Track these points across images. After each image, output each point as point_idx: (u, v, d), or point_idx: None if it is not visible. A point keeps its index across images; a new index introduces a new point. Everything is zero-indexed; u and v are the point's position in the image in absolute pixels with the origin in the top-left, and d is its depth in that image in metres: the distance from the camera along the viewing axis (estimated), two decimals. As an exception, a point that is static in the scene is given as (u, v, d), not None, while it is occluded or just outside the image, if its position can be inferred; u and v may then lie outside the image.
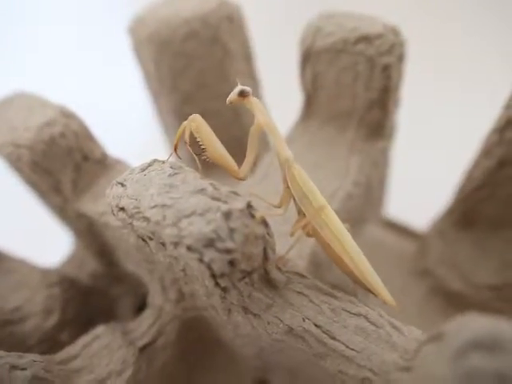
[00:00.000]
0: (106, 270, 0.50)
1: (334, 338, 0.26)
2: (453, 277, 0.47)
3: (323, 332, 0.26)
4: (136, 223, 0.25)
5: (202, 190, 0.24)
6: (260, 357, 0.34)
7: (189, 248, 0.23)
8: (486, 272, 0.45)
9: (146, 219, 0.24)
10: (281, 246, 0.29)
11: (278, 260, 0.29)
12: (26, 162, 0.38)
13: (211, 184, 0.25)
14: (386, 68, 0.39)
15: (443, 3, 1.06)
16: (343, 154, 0.43)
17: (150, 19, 0.48)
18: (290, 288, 0.28)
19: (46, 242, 0.60)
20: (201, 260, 0.23)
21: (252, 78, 0.56)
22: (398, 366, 0.24)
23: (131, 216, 0.25)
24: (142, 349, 0.35)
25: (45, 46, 1.10)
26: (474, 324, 0.19)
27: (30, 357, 0.30)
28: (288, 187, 0.29)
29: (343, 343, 0.25)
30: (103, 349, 0.34)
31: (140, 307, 0.48)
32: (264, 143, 0.43)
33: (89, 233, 0.43)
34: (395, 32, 0.39)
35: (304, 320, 0.26)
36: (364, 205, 0.47)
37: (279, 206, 0.30)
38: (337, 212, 0.31)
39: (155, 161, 0.28)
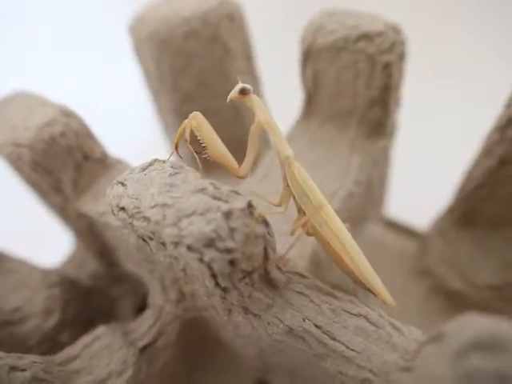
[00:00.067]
0: (107, 270, 0.50)
1: (334, 339, 0.25)
2: (453, 276, 0.47)
3: (323, 332, 0.26)
4: (136, 223, 0.25)
5: (202, 190, 0.24)
6: (260, 357, 0.34)
7: (189, 248, 0.23)
8: (487, 271, 0.45)
9: (147, 219, 0.24)
10: (281, 246, 0.29)
11: (279, 260, 0.29)
12: (27, 162, 0.38)
13: (212, 183, 0.25)
14: (387, 66, 0.39)
15: (443, 2, 1.05)
16: (344, 152, 0.43)
17: (150, 18, 0.48)
18: (290, 288, 0.28)
19: (46, 242, 0.60)
20: (201, 260, 0.23)
21: (252, 76, 0.56)
22: (399, 367, 0.23)
23: (131, 216, 0.25)
24: (143, 349, 0.35)
25: (45, 46, 1.10)
26: (475, 324, 0.19)
27: (29, 358, 0.30)
28: (288, 185, 0.29)
29: (343, 344, 0.25)
30: (103, 349, 0.34)
31: (140, 307, 0.48)
32: (265, 142, 0.43)
33: (89, 233, 0.43)
34: (396, 30, 0.39)
35: (304, 320, 0.26)
36: (365, 204, 0.47)
37: (279, 205, 0.30)
38: (337, 211, 0.30)
39: (156, 160, 0.28)
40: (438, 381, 0.18)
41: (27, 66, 1.04)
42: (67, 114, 0.40)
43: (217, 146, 0.28)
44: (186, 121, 0.28)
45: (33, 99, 0.41)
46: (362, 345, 0.25)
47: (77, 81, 0.95)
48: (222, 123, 0.54)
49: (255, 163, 0.34)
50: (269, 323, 0.27)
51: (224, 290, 0.26)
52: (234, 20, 0.49)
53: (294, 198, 0.29)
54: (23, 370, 0.29)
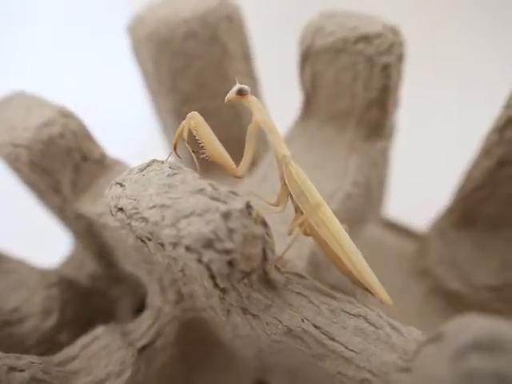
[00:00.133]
0: (105, 270, 0.50)
1: (333, 339, 0.25)
2: (452, 277, 0.47)
3: (322, 333, 0.26)
4: (134, 224, 0.25)
5: (201, 190, 0.24)
6: (259, 358, 0.34)
7: (187, 248, 0.22)
8: (486, 272, 0.45)
9: (145, 219, 0.24)
10: (280, 247, 0.29)
11: (277, 260, 0.29)
12: (25, 162, 0.38)
13: (210, 184, 0.25)
14: (386, 67, 0.39)
15: (443, 2, 1.06)
16: (342, 154, 0.43)
17: (149, 19, 0.48)
18: (289, 288, 0.28)
19: (44, 243, 0.60)
20: (200, 260, 0.23)
21: (251, 77, 0.56)
22: (398, 367, 0.23)
23: (130, 216, 0.25)
24: (141, 350, 0.35)
25: (44, 46, 1.10)
26: (474, 325, 0.19)
27: (28, 358, 0.30)
28: (285, 185, 0.29)
29: (342, 344, 0.25)
30: (102, 350, 0.33)
31: (139, 308, 0.47)
32: (263, 143, 0.43)
33: (88, 233, 0.43)
34: (395, 31, 0.39)
35: (303, 321, 0.26)
36: (363, 205, 0.47)
37: (277, 204, 0.30)
38: (336, 212, 0.30)
39: (154, 161, 0.28)
40: (438, 381, 0.18)
41: (26, 66, 1.04)
42: (66, 114, 0.40)
43: (215, 146, 0.28)
44: (184, 121, 0.28)
45: (31, 100, 0.41)
46: (361, 345, 0.25)
47: (76, 81, 0.94)
48: (220, 124, 0.54)
49: (253, 163, 0.34)
50: (267, 324, 0.27)
51: (223, 290, 0.26)
52: (233, 21, 0.49)
53: (292, 197, 0.29)
54: (22, 371, 0.29)
